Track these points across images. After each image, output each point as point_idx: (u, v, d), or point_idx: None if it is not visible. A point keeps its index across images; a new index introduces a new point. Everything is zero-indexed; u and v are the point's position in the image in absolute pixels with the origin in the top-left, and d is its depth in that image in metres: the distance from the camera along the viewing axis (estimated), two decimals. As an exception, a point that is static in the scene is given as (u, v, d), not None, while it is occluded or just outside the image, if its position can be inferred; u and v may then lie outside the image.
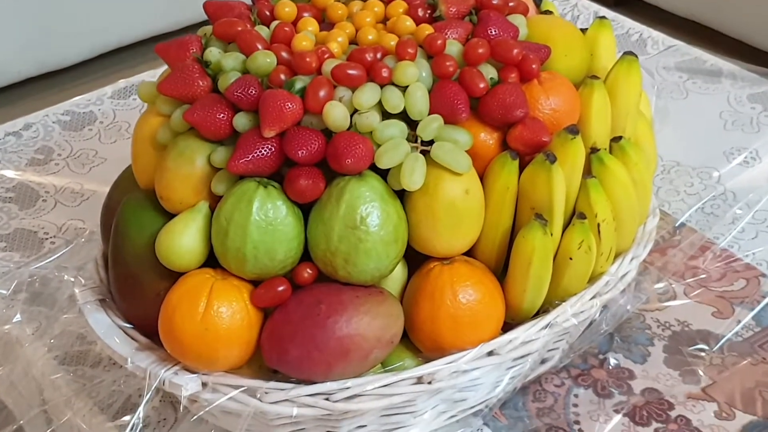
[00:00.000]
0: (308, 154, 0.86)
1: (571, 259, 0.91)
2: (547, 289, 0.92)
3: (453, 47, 0.91)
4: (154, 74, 1.52)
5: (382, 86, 0.88)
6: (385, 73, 0.88)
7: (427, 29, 0.92)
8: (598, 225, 0.92)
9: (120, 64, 2.60)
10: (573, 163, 0.91)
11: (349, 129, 0.87)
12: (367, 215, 0.86)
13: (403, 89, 0.88)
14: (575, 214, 0.91)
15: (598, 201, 0.92)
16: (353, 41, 0.95)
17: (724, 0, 2.42)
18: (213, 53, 0.92)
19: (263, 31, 0.94)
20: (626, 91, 0.97)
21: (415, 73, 0.88)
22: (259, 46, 0.91)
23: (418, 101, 0.88)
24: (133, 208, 0.94)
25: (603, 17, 1.03)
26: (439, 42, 0.90)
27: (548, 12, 1.06)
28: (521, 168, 0.90)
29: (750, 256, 1.16)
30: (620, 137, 0.96)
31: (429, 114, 0.88)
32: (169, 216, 0.91)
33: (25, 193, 1.32)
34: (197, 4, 2.66)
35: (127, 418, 0.94)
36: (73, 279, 1.01)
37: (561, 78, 0.94)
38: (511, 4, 0.98)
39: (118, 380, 1.03)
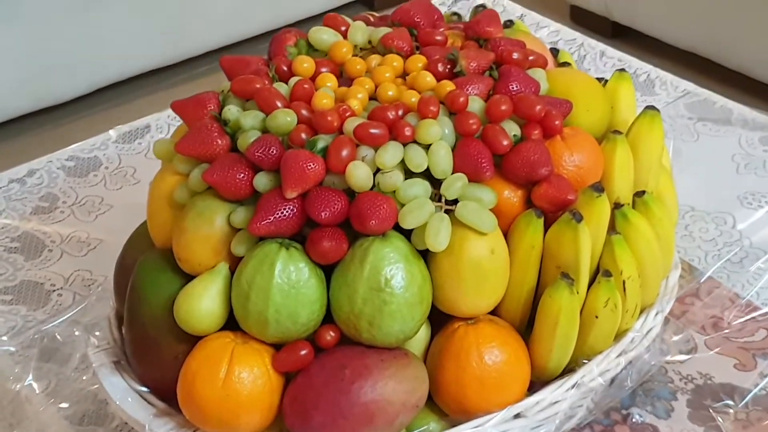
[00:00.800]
0: (331, 215, 0.84)
1: (597, 317, 0.90)
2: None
3: (475, 104, 0.90)
4: (158, 117, 1.52)
5: (404, 145, 0.86)
6: (408, 131, 0.86)
7: (448, 86, 0.91)
8: (624, 282, 0.91)
9: (118, 98, 2.59)
10: (598, 221, 0.89)
11: (372, 189, 0.85)
12: (391, 277, 0.84)
13: (426, 147, 0.87)
14: (600, 272, 0.90)
15: (623, 258, 0.90)
16: (373, 97, 0.93)
17: (722, 32, 2.41)
18: (231, 111, 0.90)
19: (282, 88, 0.92)
20: (649, 145, 0.96)
21: (439, 131, 0.86)
22: (279, 105, 0.89)
23: (442, 160, 0.86)
24: (149, 269, 0.92)
25: (623, 70, 1.02)
26: (462, 99, 0.88)
27: (566, 63, 1.05)
28: (546, 226, 0.89)
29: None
30: (643, 192, 0.95)
31: (452, 172, 0.87)
32: (187, 277, 0.90)
33: (31, 243, 1.30)
34: (191, 39, 2.67)
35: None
36: (86, 339, 0.99)
37: (584, 134, 0.93)
38: (530, 57, 0.96)
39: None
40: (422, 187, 0.86)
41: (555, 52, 1.07)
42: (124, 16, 2.50)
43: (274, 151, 0.86)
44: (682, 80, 1.53)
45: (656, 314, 0.97)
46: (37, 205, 1.37)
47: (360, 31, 0.99)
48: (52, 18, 2.39)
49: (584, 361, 0.92)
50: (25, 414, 1.06)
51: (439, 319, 0.90)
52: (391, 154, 0.85)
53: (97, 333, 0.98)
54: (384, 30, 1.00)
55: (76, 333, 1.03)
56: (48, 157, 1.45)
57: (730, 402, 1.03)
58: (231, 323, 0.88)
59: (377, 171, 0.86)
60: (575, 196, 0.88)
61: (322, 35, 0.98)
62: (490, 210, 0.87)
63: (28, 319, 1.17)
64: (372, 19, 1.06)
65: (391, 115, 0.88)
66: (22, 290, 1.22)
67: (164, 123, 1.51)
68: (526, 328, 0.92)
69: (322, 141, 0.86)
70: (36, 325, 1.13)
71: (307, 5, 2.78)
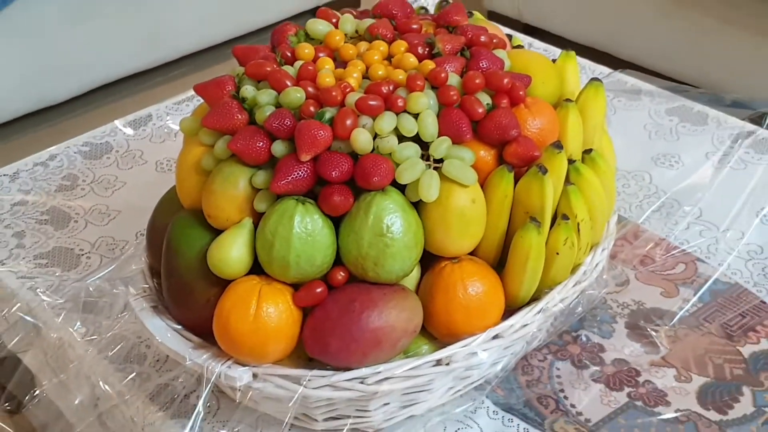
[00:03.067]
0: (340, 174, 0.85)
1: (557, 253, 0.92)
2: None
3: (453, 79, 0.91)
4: (157, 108, 1.51)
5: (397, 114, 0.88)
6: (400, 103, 0.87)
7: (429, 65, 0.92)
8: (578, 224, 0.93)
9: (106, 98, 2.55)
10: (559, 173, 0.91)
11: (371, 152, 0.86)
12: (392, 224, 0.85)
13: (416, 116, 0.88)
14: (559, 216, 0.92)
15: (578, 204, 0.92)
16: (365, 76, 0.94)
17: (616, 29, 2.45)
18: (249, 90, 0.90)
19: (289, 70, 0.93)
20: (594, 111, 0.98)
21: (427, 102, 0.88)
22: (289, 83, 0.90)
23: (429, 126, 0.87)
24: (182, 226, 0.92)
25: (569, 51, 1.04)
26: (443, 75, 0.90)
27: (519, 46, 1.07)
28: (515, 179, 0.91)
29: (685, 244, 1.18)
30: (590, 150, 0.97)
31: (438, 136, 0.88)
32: (214, 232, 0.90)
33: (58, 216, 1.29)
34: (166, 46, 2.64)
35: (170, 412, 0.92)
36: (124, 290, 0.99)
37: (542, 102, 0.94)
38: (495, 40, 0.98)
39: (164, 375, 1.01)
40: (414, 149, 0.87)
41: (509, 37, 1.08)
42: (109, 27, 2.46)
43: (288, 122, 0.87)
44: (598, 65, 1.56)
45: (602, 250, 1.00)
46: (60, 184, 1.36)
47: (349, 22, 1.00)
48: (47, 29, 2.35)
49: (546, 291, 0.94)
50: (68, 359, 1.05)
51: (426, 261, 0.92)
52: (387, 122, 0.86)
53: (134, 284, 0.97)
54: (368, 21, 1.00)
55: (118, 288, 1.02)
56: (66, 144, 1.44)
57: (659, 322, 1.06)
58: (254, 269, 0.89)
59: (375, 137, 0.87)
60: (540, 153, 0.90)
61: (318, 26, 0.99)
62: (471, 167, 0.88)
63: (63, 279, 1.16)
64: (355, 12, 1.07)
65: (384, 89, 0.89)
66: (55, 255, 1.21)
67: (163, 112, 1.51)
68: (499, 264, 0.94)
69: (329, 113, 0.87)
70: (72, 283, 1.13)
71: (263, 15, 2.77)
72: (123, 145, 1.44)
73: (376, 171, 0.84)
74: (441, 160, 0.87)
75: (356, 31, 1.01)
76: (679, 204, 1.23)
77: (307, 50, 0.95)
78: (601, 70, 1.54)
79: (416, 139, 0.88)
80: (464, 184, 0.87)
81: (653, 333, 1.05)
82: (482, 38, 0.96)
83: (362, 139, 0.85)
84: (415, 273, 0.92)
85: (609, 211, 1.00)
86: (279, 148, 0.87)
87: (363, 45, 0.98)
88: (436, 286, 0.90)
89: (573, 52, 1.03)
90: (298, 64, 0.94)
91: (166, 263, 0.92)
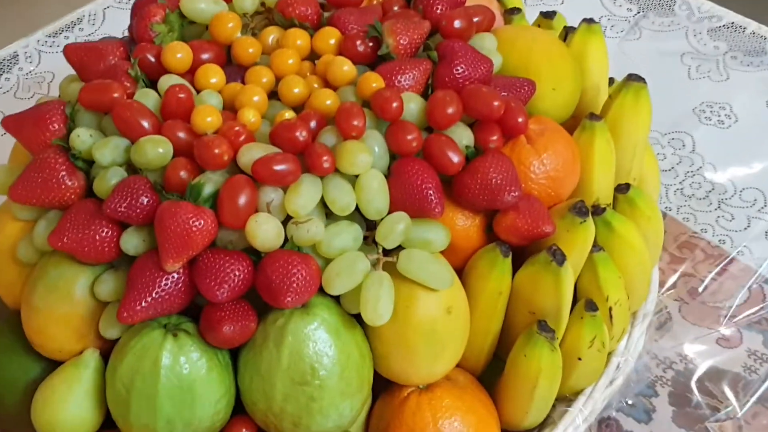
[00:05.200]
0: (230, 292, 0.54)
1: (580, 359, 0.63)
2: (551, 396, 0.64)
3: (411, 104, 0.59)
4: (26, 44, 1.17)
5: (323, 178, 0.56)
6: (326, 163, 0.55)
7: (373, 80, 0.59)
8: (610, 309, 0.63)
9: None
10: (582, 249, 0.61)
11: (284, 245, 0.55)
12: (318, 364, 0.55)
13: (353, 179, 0.56)
14: (583, 304, 0.62)
15: (609, 280, 0.63)
16: (273, 92, 0.62)
17: None
18: (82, 139, 0.58)
19: (149, 99, 0.60)
20: (634, 128, 0.66)
21: (368, 160, 0.56)
22: (146, 126, 0.57)
23: (375, 197, 0.56)
24: (-3, 349, 0.62)
25: (591, 20, 0.70)
26: (395, 105, 0.58)
27: (516, 10, 0.73)
28: (514, 262, 0.60)
29: (745, 253, 0.88)
30: (627, 186, 0.66)
31: (390, 211, 0.57)
32: (47, 362, 0.60)
33: None
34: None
35: None
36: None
37: (552, 126, 0.63)
38: (475, 19, 0.65)
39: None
40: (350, 235, 0.56)
41: (499, -4, 0.75)
42: None
43: (145, 201, 0.55)
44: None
45: (642, 318, 0.71)
46: None
47: (248, -6, 0.66)
48: None
49: (565, 407, 0.65)
50: None
51: (379, 382, 0.62)
52: (305, 197, 0.55)
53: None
54: (280, -14, 0.67)
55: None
56: None
57: (717, 396, 0.78)
58: (109, 422, 0.59)
59: (287, 219, 0.56)
60: (552, 228, 0.59)
61: (199, 4, 0.65)
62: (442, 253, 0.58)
63: None
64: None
65: (301, 136, 0.56)
66: None
67: (33, 50, 1.16)
68: (491, 366, 0.65)
69: (210, 184, 0.55)
70: None
71: None
72: (-22, 105, 1.10)
73: (288, 285, 0.54)
74: (398, 248, 0.57)
75: (263, 3, 0.67)
76: (735, 188, 0.93)
77: (180, 54, 0.62)
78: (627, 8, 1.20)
79: (356, 213, 0.57)
80: (432, 287, 0.57)
81: (708, 412, 0.77)
82: (456, 24, 0.63)
83: (265, 233, 0.54)
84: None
85: (653, 262, 0.71)
86: (132, 242, 0.56)
87: (271, 33, 0.65)
88: (396, 427, 0.60)
89: (597, 24, 0.70)
90: (165, 82, 0.61)
91: (-22, 403, 0.63)
